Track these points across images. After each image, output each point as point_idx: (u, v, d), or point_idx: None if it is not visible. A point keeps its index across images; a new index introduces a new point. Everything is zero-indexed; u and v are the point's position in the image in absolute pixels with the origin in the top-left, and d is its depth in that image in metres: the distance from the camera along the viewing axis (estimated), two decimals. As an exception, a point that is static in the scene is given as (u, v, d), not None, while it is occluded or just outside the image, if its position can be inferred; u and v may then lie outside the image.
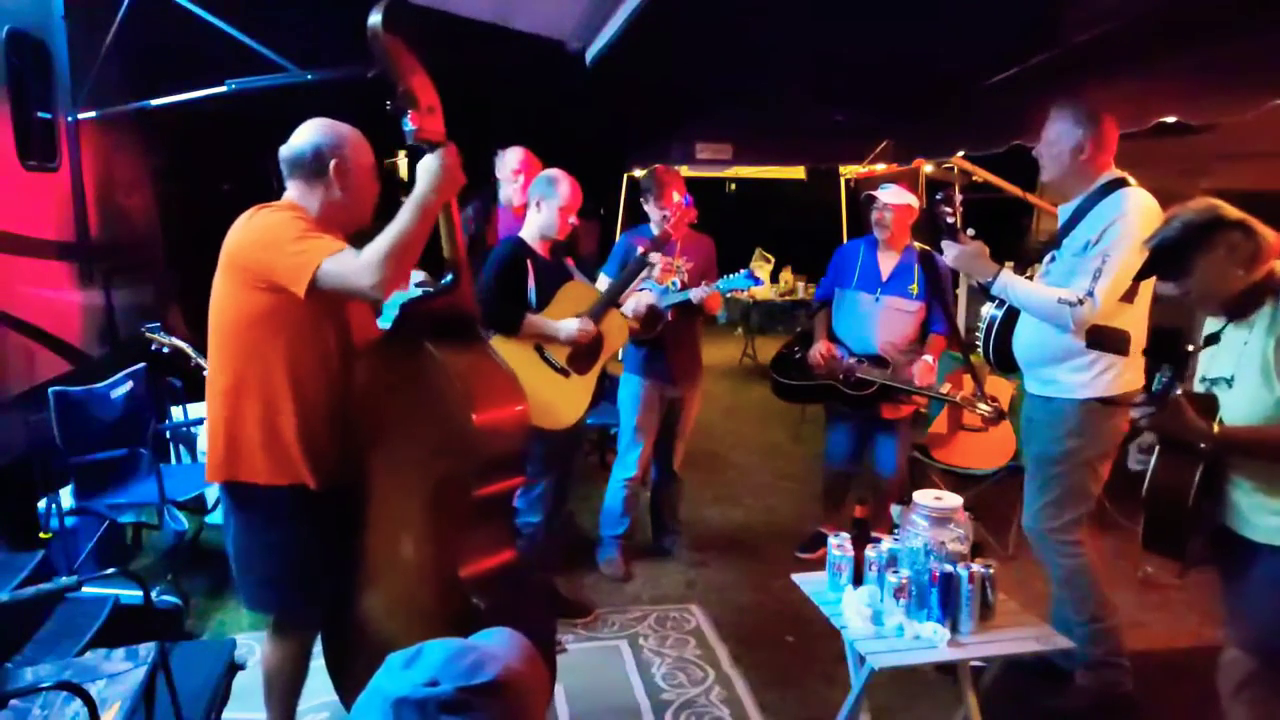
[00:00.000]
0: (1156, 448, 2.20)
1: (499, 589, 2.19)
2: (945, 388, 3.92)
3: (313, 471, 2.24)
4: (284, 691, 2.45)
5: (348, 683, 2.46)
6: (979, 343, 3.14)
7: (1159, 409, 2.08)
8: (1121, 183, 2.78)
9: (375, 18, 1.95)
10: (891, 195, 3.93)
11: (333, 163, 2.22)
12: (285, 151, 2.26)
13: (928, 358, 3.88)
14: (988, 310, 3.08)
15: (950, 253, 2.92)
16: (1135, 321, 2.82)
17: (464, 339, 2.23)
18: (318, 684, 2.55)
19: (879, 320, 3.94)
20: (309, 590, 2.34)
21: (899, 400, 3.96)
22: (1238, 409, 2.11)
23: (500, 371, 2.26)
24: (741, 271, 3.79)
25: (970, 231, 2.90)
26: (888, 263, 3.99)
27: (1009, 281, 2.84)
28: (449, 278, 2.21)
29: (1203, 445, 2.09)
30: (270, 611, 2.44)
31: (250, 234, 2.17)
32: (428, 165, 2.08)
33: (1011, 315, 3.01)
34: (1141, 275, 2.41)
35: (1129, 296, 2.75)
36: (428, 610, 2.23)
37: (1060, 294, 2.72)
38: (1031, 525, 3.00)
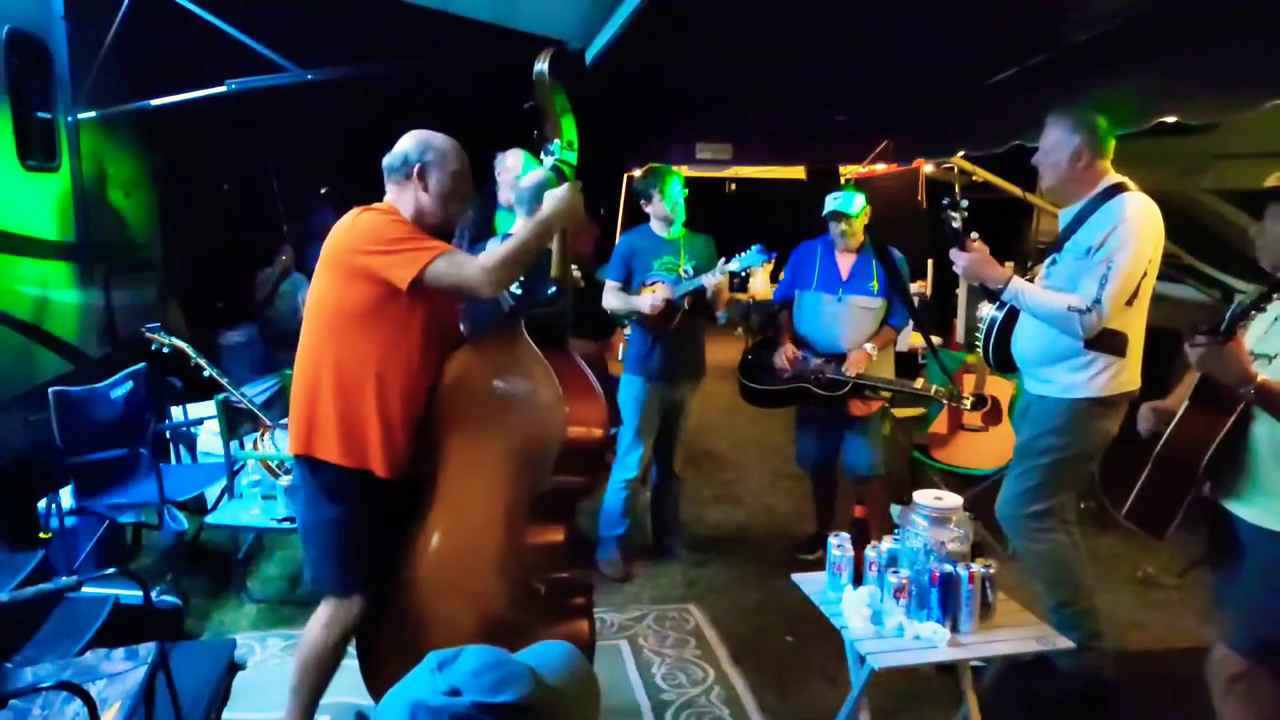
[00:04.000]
0: (1185, 401, 2.19)
1: (558, 576, 2.43)
2: (919, 383, 3.93)
3: (383, 460, 2.37)
4: (316, 681, 2.50)
5: (385, 671, 2.47)
6: (979, 343, 3.15)
7: (1223, 339, 2.01)
8: (1121, 188, 2.79)
9: (541, 65, 2.31)
10: (849, 205, 3.94)
11: (417, 168, 2.42)
12: (386, 159, 2.47)
13: (868, 346, 3.89)
14: (987, 311, 3.09)
15: (960, 262, 2.92)
16: (1135, 323, 2.83)
17: (557, 346, 2.46)
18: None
19: (844, 320, 3.96)
20: (361, 570, 2.45)
21: (868, 397, 3.96)
22: None
23: (588, 378, 2.48)
24: (754, 247, 3.77)
25: (974, 235, 2.90)
26: (846, 262, 4.01)
27: (1020, 289, 2.85)
28: (553, 290, 2.45)
29: (1244, 391, 2.02)
30: (324, 586, 2.51)
31: (354, 232, 2.36)
32: (559, 194, 2.35)
33: (1011, 316, 3.02)
34: None
35: (1130, 299, 2.76)
36: (486, 591, 2.38)
37: (1070, 301, 2.73)
38: (1005, 513, 3.03)
